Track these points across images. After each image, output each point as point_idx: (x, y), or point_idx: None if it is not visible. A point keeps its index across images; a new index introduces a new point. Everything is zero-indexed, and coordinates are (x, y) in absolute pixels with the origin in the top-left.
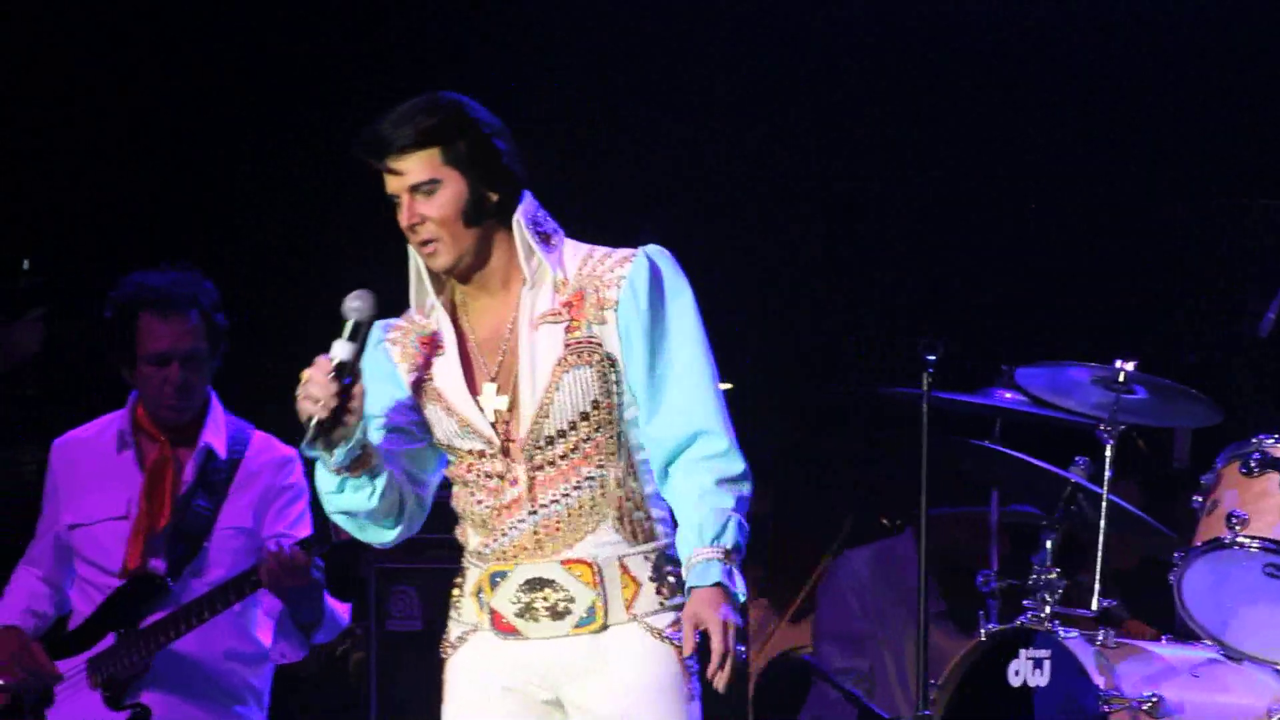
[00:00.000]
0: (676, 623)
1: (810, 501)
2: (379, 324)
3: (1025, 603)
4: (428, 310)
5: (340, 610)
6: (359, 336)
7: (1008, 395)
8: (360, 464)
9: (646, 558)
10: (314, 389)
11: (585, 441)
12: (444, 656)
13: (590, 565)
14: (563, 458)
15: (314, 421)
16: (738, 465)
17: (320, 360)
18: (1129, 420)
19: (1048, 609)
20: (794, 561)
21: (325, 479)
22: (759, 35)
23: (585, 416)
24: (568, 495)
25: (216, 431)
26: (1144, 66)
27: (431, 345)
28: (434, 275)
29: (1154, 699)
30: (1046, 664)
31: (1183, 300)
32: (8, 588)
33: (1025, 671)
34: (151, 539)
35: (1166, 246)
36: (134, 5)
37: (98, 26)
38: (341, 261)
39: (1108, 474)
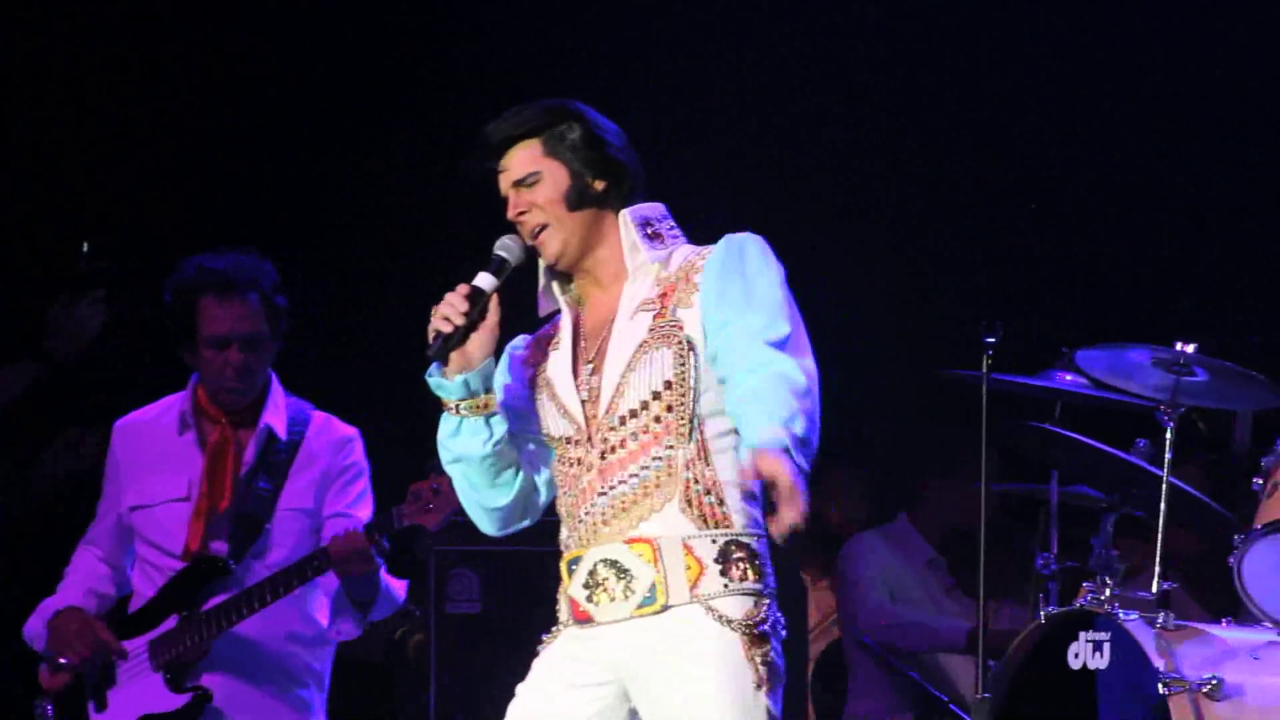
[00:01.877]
0: (742, 608)
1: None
2: (520, 338)
3: (1085, 585)
4: (553, 319)
5: (396, 587)
6: (500, 273)
7: (1068, 378)
8: (478, 407)
9: (714, 541)
10: (445, 306)
11: (655, 422)
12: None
13: (651, 543)
14: (633, 437)
15: (438, 334)
16: (799, 378)
17: (460, 285)
18: (1189, 402)
19: (1107, 591)
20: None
21: (445, 423)
22: (819, 22)
23: (657, 396)
24: (635, 475)
25: (277, 412)
26: (1212, 54)
27: (551, 343)
28: (558, 277)
29: (1214, 681)
30: (1106, 646)
31: (1243, 281)
32: (69, 568)
33: (1085, 654)
34: (212, 521)
35: (1228, 227)
36: None
37: (158, 6)
38: (403, 246)
39: (1168, 456)
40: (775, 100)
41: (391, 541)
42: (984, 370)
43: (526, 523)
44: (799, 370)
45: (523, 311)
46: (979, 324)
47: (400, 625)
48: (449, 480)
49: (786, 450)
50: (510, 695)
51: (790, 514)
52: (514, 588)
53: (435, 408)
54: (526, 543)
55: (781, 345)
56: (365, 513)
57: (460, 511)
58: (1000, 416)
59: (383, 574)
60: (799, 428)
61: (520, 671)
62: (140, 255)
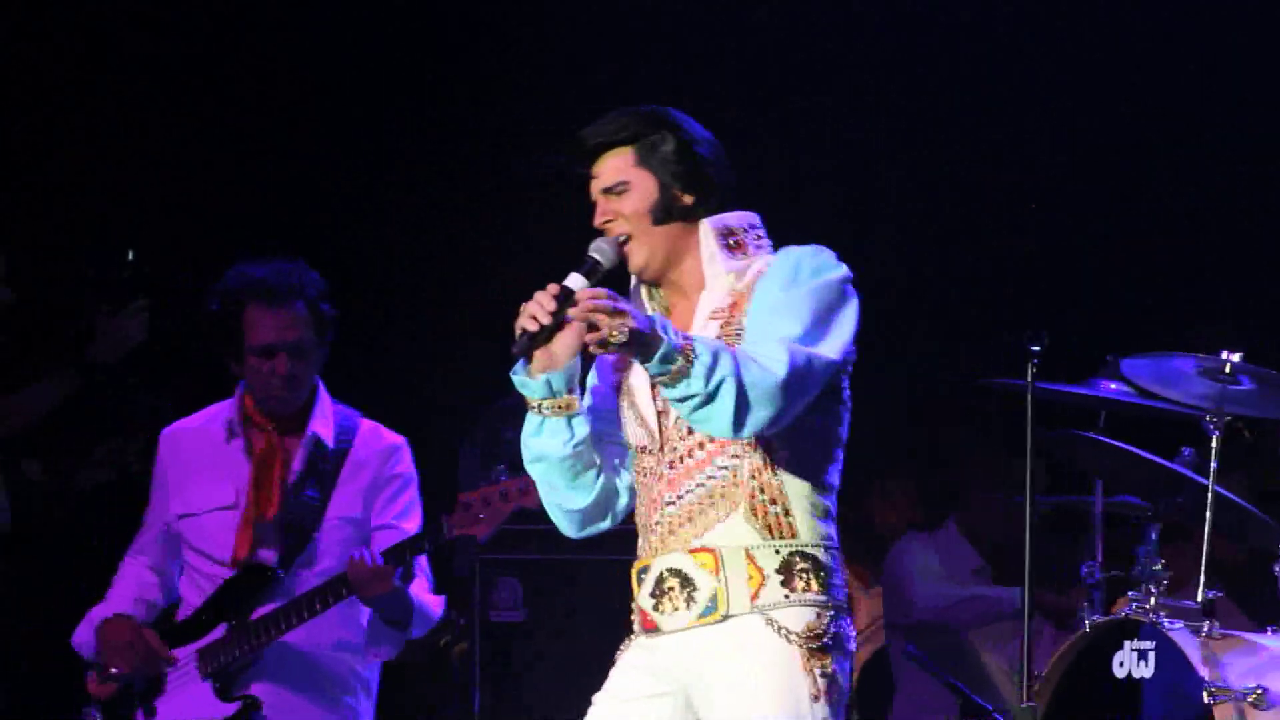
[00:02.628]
0: (803, 620)
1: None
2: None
3: (1129, 594)
4: None
5: (431, 604)
6: (593, 275)
7: (1112, 386)
8: (563, 407)
9: (777, 551)
10: (533, 304)
11: None
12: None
13: (714, 553)
14: (700, 447)
15: (524, 332)
16: (779, 370)
17: (551, 285)
18: (1235, 411)
19: (1152, 600)
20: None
21: (528, 421)
22: (861, 35)
23: None
24: (701, 485)
25: (324, 420)
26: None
27: None
28: (646, 282)
29: (1259, 690)
30: (1151, 655)
31: None
32: (116, 577)
33: (1130, 663)
34: (260, 529)
35: (1276, 235)
36: None
37: (200, 16)
38: (450, 254)
39: (1213, 465)
40: (817, 106)
41: (434, 553)
42: (1029, 379)
43: (605, 525)
44: (780, 358)
45: None
46: (1024, 332)
47: (444, 633)
48: (498, 491)
49: (651, 321)
50: (553, 702)
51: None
52: (557, 596)
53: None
54: (570, 551)
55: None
56: (413, 524)
57: (507, 521)
58: (1044, 425)
59: (416, 591)
60: (704, 347)
61: (563, 679)
62: (184, 263)
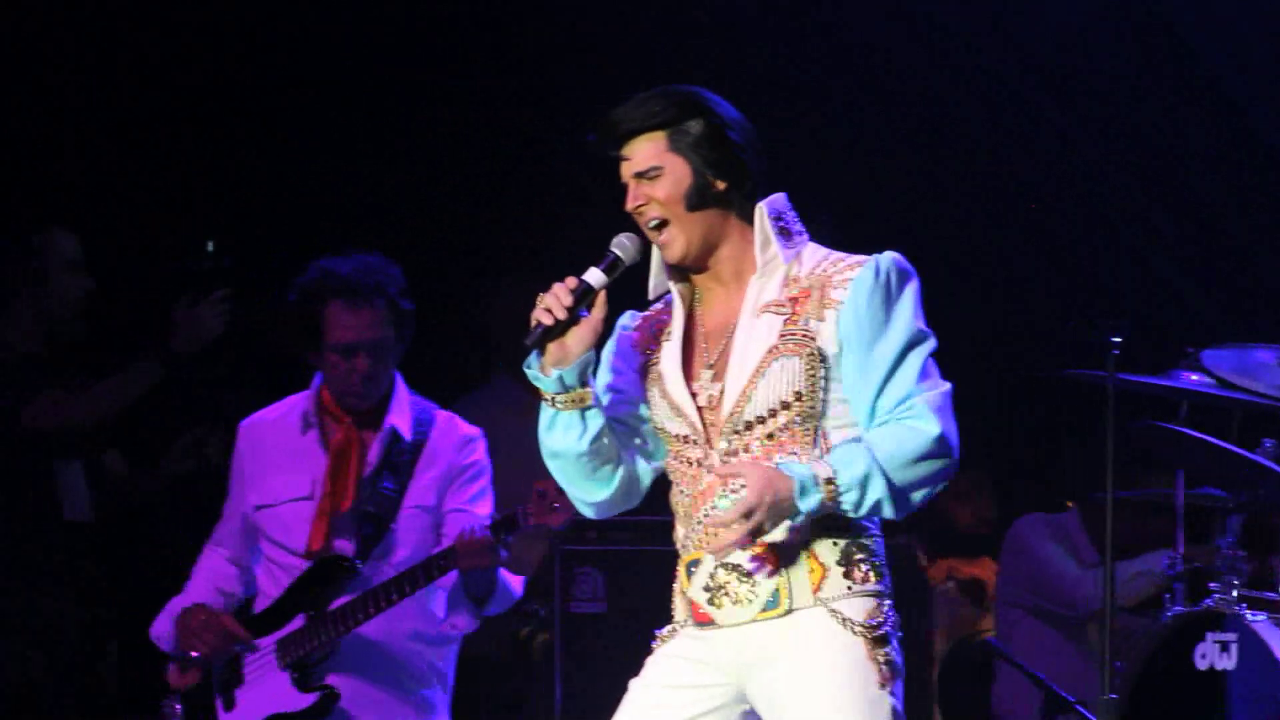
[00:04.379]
0: (864, 610)
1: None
2: (629, 314)
3: (1211, 585)
4: (663, 299)
5: (513, 583)
6: (613, 271)
7: (1194, 378)
8: (575, 401)
9: (836, 543)
10: (550, 297)
11: (782, 430)
12: (653, 650)
13: (773, 547)
14: (758, 443)
15: (538, 324)
16: (927, 427)
17: (569, 278)
18: None
19: (1234, 592)
20: (970, 543)
21: (542, 414)
22: (942, 29)
23: (786, 405)
24: None
25: (401, 413)
26: None
27: (664, 333)
28: (671, 265)
29: None
30: (1233, 647)
31: None
32: (195, 568)
33: (1212, 655)
34: (336, 520)
35: None
36: None
37: (286, 12)
38: (526, 247)
39: None
40: (896, 101)
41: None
42: (1109, 371)
43: (629, 506)
44: (934, 418)
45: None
46: (1104, 324)
47: (525, 625)
48: None
49: (790, 477)
50: None
51: (729, 516)
52: (638, 587)
53: None
54: (652, 542)
55: (929, 403)
56: (485, 510)
57: None
58: (1126, 417)
59: (500, 570)
60: (849, 472)
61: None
62: (264, 255)
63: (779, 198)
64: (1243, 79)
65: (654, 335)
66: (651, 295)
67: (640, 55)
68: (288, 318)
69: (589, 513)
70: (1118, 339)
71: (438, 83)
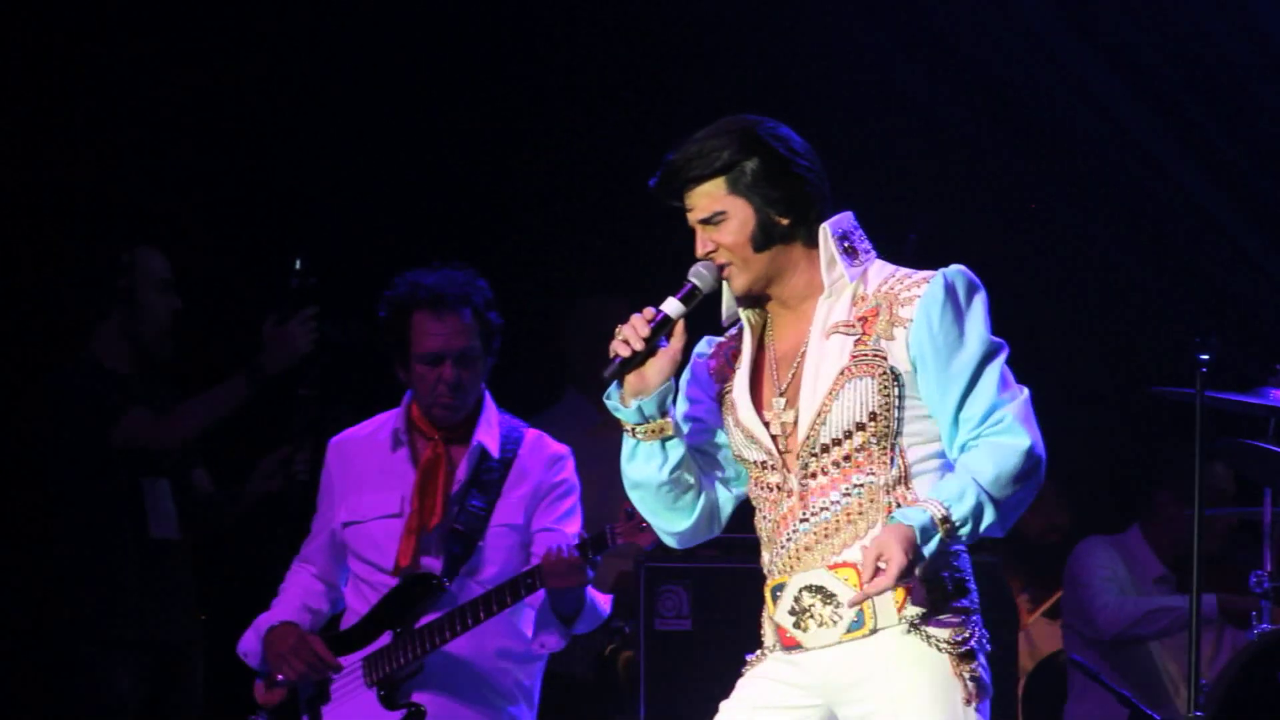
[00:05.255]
0: (949, 627)
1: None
2: (705, 340)
3: None
4: (735, 325)
5: (601, 601)
6: (690, 301)
7: None
8: (655, 431)
9: None
10: (628, 328)
11: (859, 451)
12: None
13: (856, 568)
14: (835, 465)
15: (616, 356)
16: (1018, 440)
17: (647, 309)
18: None
19: None
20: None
21: (624, 445)
22: (1037, 25)
23: (861, 427)
24: (837, 502)
25: (489, 430)
26: None
27: (737, 359)
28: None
29: None
30: None
31: None
32: (284, 585)
33: None
34: (424, 537)
35: None
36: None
37: (374, 26)
38: (601, 265)
39: None
40: (979, 116)
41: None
42: (1198, 387)
43: (712, 535)
44: (1022, 429)
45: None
46: (1193, 340)
47: (610, 642)
48: None
49: (914, 528)
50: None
51: (876, 584)
52: (724, 604)
53: None
54: (737, 559)
55: (1016, 415)
56: (573, 528)
57: None
58: (1214, 434)
59: (588, 588)
60: (962, 508)
61: (731, 688)
62: (352, 273)
63: (844, 216)
64: None
65: (728, 362)
66: (725, 322)
67: (729, 72)
68: (379, 331)
69: (672, 543)
70: (1206, 356)
71: (524, 104)
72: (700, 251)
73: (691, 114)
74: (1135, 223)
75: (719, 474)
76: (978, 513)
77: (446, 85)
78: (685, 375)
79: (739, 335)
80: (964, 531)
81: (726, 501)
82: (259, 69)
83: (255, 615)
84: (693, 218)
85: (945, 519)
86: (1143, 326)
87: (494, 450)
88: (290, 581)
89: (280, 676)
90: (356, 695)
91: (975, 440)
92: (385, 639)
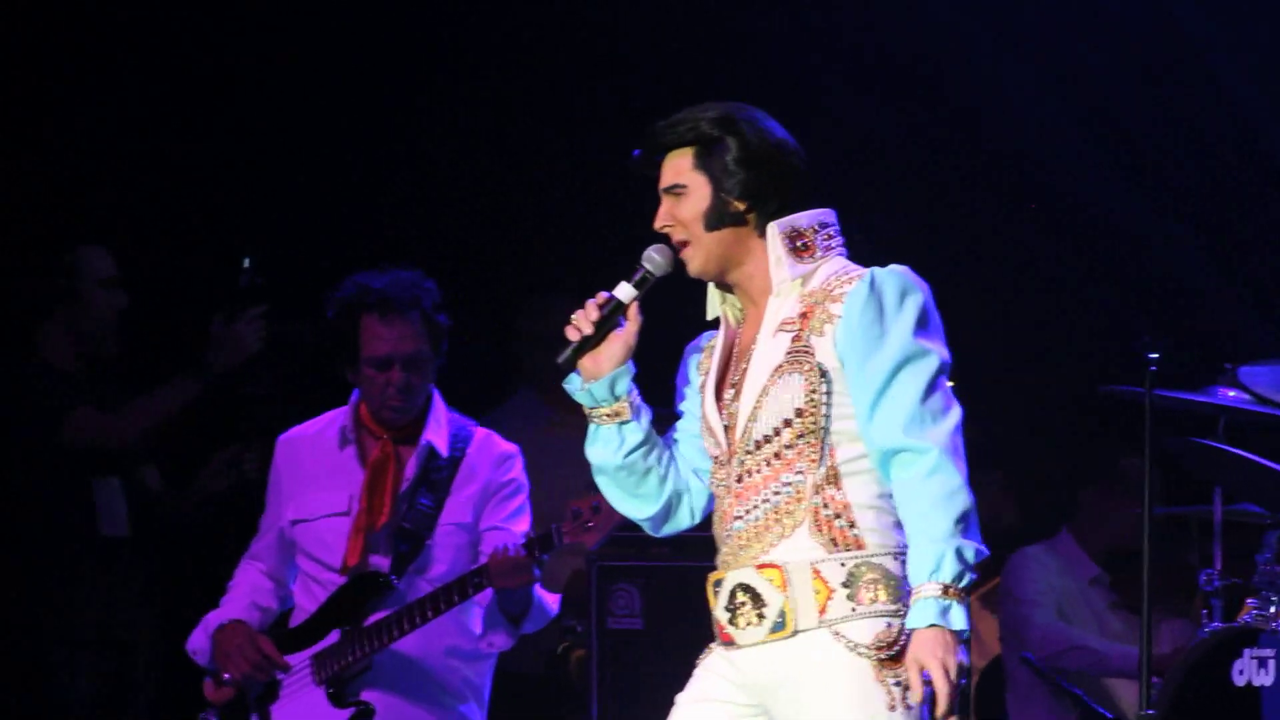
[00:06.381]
0: (872, 631)
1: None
2: (706, 335)
3: (1249, 601)
4: (715, 319)
5: (549, 600)
6: (643, 285)
7: (1231, 394)
8: (612, 415)
9: (843, 564)
10: (579, 313)
11: (788, 448)
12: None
13: (780, 569)
14: (766, 464)
15: (568, 341)
16: (951, 480)
17: (600, 293)
18: None
19: (1272, 608)
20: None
21: (588, 431)
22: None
23: (789, 423)
24: (767, 500)
25: (438, 429)
26: None
27: (714, 353)
28: (722, 286)
29: None
30: (1271, 663)
31: None
32: (232, 582)
33: (1249, 671)
34: (371, 536)
35: None
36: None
37: (322, 27)
38: (551, 262)
39: None
40: (925, 113)
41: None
42: (1146, 386)
43: (689, 524)
44: (939, 468)
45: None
46: (1141, 340)
47: (562, 641)
48: None
49: (935, 626)
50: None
51: (949, 698)
52: (676, 603)
53: None
54: (689, 558)
55: (916, 432)
56: (522, 527)
57: (620, 528)
58: (1163, 433)
59: (535, 587)
60: (948, 571)
61: (682, 687)
62: (300, 272)
63: (806, 214)
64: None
65: (709, 355)
66: (709, 316)
67: (687, 70)
68: (324, 333)
69: (649, 529)
70: (1155, 355)
71: (471, 102)
72: (658, 223)
73: (643, 112)
74: (1085, 220)
75: (704, 465)
76: (961, 558)
77: (395, 85)
78: (682, 368)
79: (720, 329)
80: (965, 583)
81: (701, 492)
82: (208, 67)
83: (205, 613)
84: (660, 187)
85: (946, 588)
86: (1091, 326)
87: (443, 449)
88: (239, 579)
89: (227, 675)
90: (305, 693)
91: (904, 473)
92: (334, 637)
